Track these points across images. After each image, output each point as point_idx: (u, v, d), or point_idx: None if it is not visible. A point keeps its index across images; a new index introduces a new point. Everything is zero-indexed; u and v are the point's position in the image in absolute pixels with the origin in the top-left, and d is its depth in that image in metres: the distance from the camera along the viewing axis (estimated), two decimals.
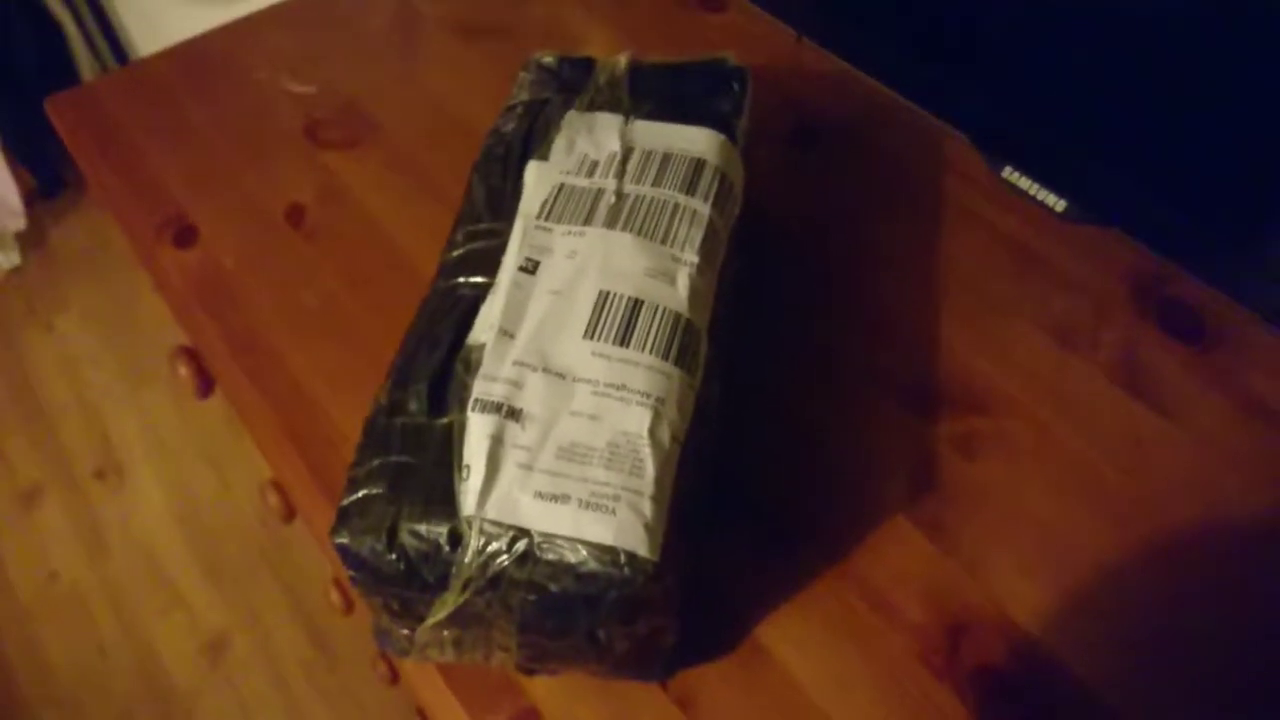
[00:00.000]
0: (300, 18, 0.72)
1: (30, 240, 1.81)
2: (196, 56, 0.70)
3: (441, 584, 0.33)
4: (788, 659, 0.41)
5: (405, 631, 0.37)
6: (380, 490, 0.34)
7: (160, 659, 1.28)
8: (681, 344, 0.37)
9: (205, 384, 0.65)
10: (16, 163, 1.74)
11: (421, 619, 0.35)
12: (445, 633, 0.36)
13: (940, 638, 0.41)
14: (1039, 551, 0.43)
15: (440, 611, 0.34)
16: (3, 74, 1.69)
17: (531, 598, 0.33)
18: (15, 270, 1.78)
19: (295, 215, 0.59)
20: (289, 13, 0.72)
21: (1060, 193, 0.55)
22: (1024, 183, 0.56)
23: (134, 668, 1.28)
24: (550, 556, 0.32)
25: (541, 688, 0.40)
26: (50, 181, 1.87)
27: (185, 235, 0.58)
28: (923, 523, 0.44)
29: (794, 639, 0.41)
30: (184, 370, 0.64)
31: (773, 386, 0.49)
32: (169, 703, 1.24)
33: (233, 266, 0.56)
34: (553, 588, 0.33)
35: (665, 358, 0.37)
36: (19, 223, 1.73)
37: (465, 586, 0.33)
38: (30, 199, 1.80)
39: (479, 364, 0.36)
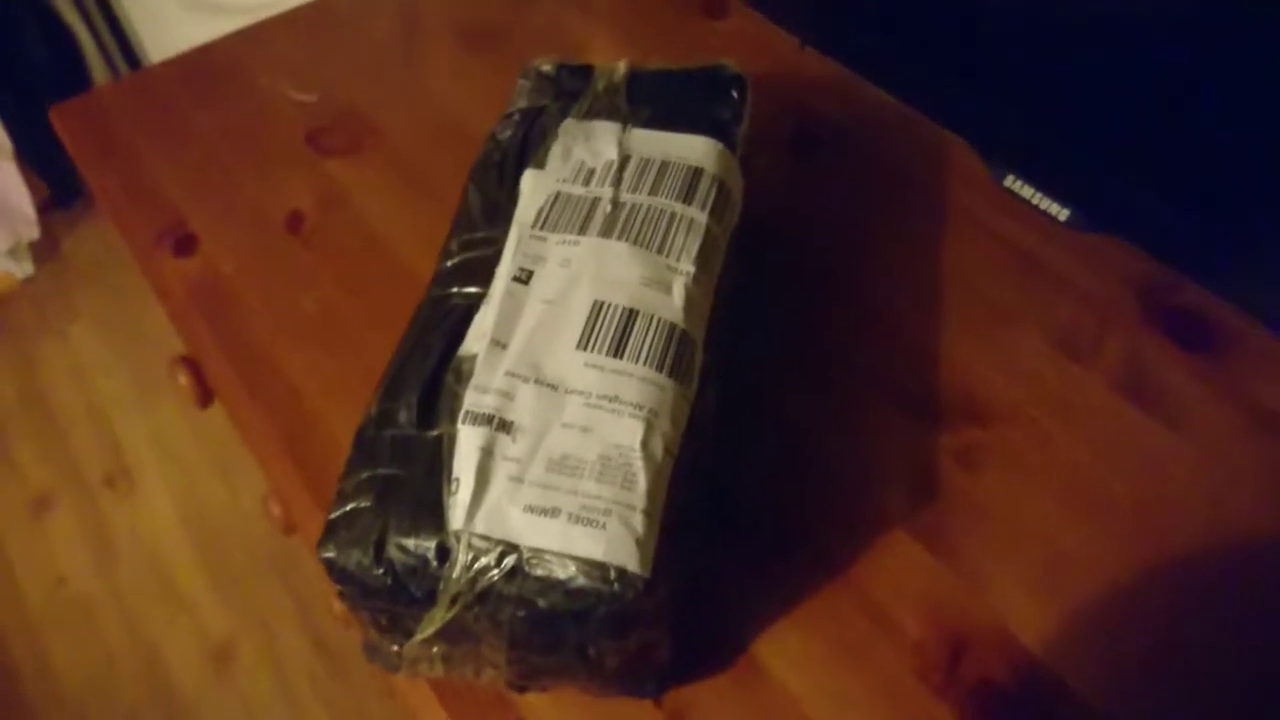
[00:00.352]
0: (303, 26, 0.72)
1: (43, 249, 1.82)
2: (200, 64, 0.70)
3: (429, 599, 0.33)
4: (784, 675, 0.40)
5: (394, 647, 0.36)
6: (368, 503, 0.34)
7: (167, 666, 1.28)
8: (676, 355, 0.37)
9: (205, 393, 0.65)
10: (30, 172, 1.75)
11: (410, 634, 0.34)
12: (434, 648, 0.35)
13: (940, 653, 0.40)
14: (1041, 565, 0.42)
15: (428, 627, 0.33)
16: (16, 83, 1.70)
17: (520, 613, 0.33)
18: (28, 279, 1.79)
19: (295, 222, 0.58)
20: (292, 21, 0.72)
21: (1063, 202, 0.54)
22: (1026, 191, 0.55)
23: (140, 674, 1.28)
24: (539, 572, 0.32)
25: (533, 704, 0.40)
26: (64, 191, 1.88)
27: (185, 243, 0.58)
28: (923, 536, 0.44)
29: (791, 654, 0.40)
30: (184, 379, 0.64)
31: (772, 397, 0.49)
32: (174, 709, 1.24)
33: (232, 274, 0.56)
34: (541, 603, 0.32)
35: (659, 369, 0.36)
36: (32, 232, 1.73)
37: (453, 602, 0.32)
38: (44, 208, 1.81)
39: (470, 375, 0.36)
